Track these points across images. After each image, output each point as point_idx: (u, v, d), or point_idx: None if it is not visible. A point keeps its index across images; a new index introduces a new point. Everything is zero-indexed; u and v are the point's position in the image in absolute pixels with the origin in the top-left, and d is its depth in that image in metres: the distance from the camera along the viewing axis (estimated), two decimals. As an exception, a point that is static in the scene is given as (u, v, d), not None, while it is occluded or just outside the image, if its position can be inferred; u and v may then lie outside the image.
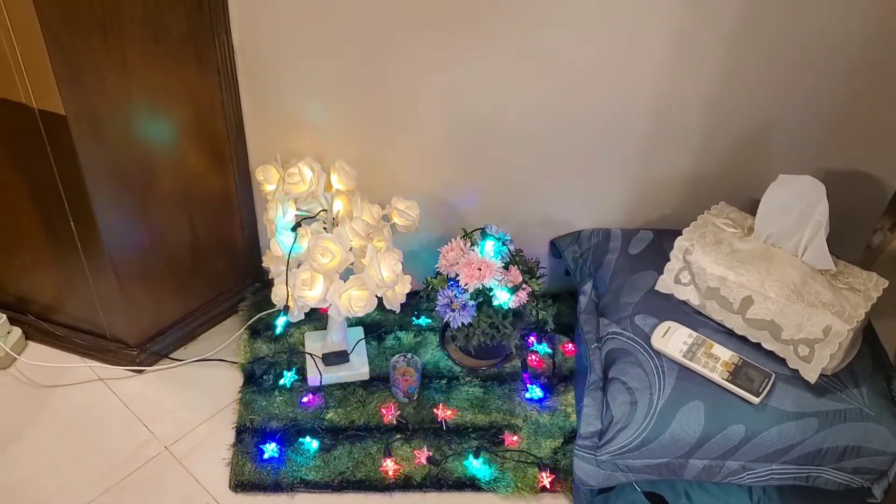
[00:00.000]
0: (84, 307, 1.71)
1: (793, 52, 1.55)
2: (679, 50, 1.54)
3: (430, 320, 1.87)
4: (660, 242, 1.71)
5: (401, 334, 1.85)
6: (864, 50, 1.55)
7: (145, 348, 1.76)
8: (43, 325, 1.78)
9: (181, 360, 1.80)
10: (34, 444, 1.63)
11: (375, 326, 1.85)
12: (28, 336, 1.80)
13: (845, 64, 1.57)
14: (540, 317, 1.65)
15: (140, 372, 1.77)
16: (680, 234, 1.58)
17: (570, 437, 1.66)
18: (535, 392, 1.74)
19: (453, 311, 1.59)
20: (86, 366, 1.78)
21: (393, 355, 1.74)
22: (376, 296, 1.53)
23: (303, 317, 1.57)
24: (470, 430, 1.67)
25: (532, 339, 1.83)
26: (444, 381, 1.76)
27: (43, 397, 1.72)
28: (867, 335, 1.58)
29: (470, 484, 1.60)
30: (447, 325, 1.66)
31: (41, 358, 1.78)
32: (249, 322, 1.85)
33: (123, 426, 1.68)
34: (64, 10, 1.26)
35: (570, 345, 1.83)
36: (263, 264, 1.65)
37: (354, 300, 1.49)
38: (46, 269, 1.67)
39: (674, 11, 1.49)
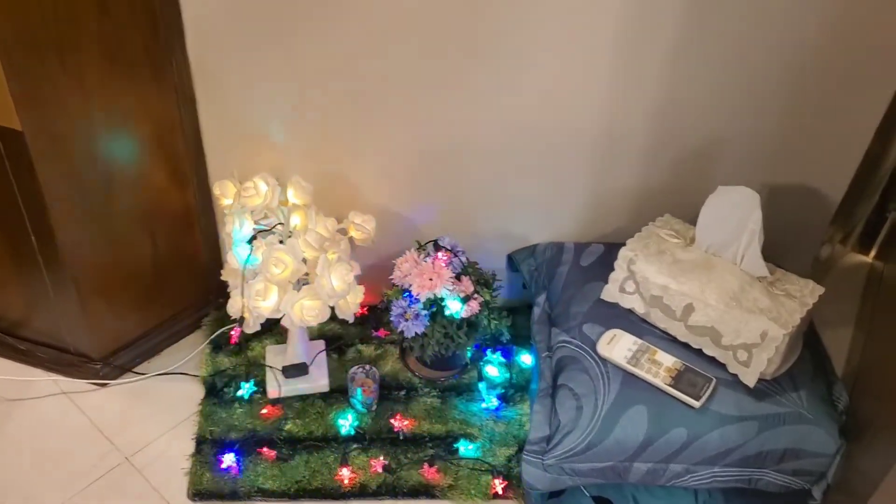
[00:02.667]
0: (47, 322, 1.75)
1: (734, 70, 1.61)
2: (624, 70, 1.60)
3: (389, 332, 1.90)
4: (610, 254, 1.75)
5: (361, 347, 1.89)
6: (805, 68, 1.61)
7: (108, 362, 1.80)
8: (7, 340, 1.81)
9: (144, 374, 1.83)
10: (-3, 456, 1.67)
11: (336, 339, 1.89)
12: (-9, 351, 1.84)
13: (788, 81, 1.63)
14: (493, 327, 1.69)
15: (103, 385, 1.80)
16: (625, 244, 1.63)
17: (524, 445, 1.70)
18: (492, 402, 1.77)
19: (407, 320, 1.63)
20: (50, 379, 1.81)
21: (352, 367, 1.77)
22: (329, 306, 1.57)
23: (258, 328, 1.61)
24: (427, 439, 1.71)
25: (489, 350, 1.87)
26: (402, 392, 1.79)
27: (7, 410, 1.75)
28: (810, 342, 1.63)
29: (424, 492, 1.63)
30: (404, 335, 1.70)
31: (5, 372, 1.81)
32: (212, 336, 1.88)
33: (86, 438, 1.71)
34: (20, 33, 1.31)
35: (527, 356, 1.87)
36: (222, 277, 1.69)
37: (307, 310, 1.54)
38: (9, 284, 1.71)
39: (618, 33, 1.55)
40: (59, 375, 1.81)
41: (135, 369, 1.84)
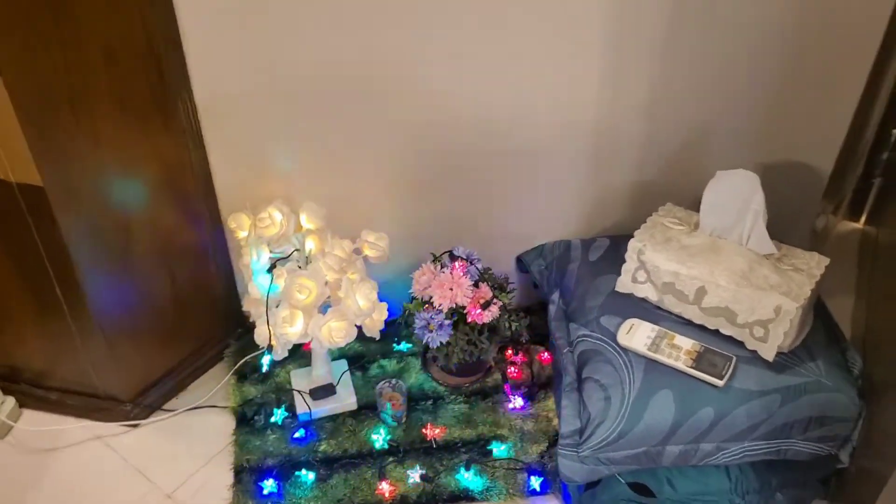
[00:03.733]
0: (75, 369, 1.77)
1: (717, 55, 1.67)
2: (614, 66, 1.65)
3: (410, 345, 1.94)
4: (616, 247, 1.81)
5: (384, 362, 1.93)
6: (785, 47, 1.67)
7: (138, 402, 1.82)
8: (36, 392, 1.83)
9: (174, 410, 1.86)
10: (38, 508, 1.69)
11: (358, 357, 1.93)
12: (22, 404, 1.85)
13: (769, 62, 1.69)
14: (514, 329, 1.74)
15: (135, 426, 1.83)
16: (633, 236, 1.68)
17: (555, 440, 1.74)
18: (518, 402, 1.82)
19: (431, 332, 1.67)
20: (81, 426, 1.83)
21: (378, 383, 1.81)
22: (355, 325, 1.60)
23: (286, 354, 1.64)
24: (459, 444, 1.75)
25: (509, 351, 1.91)
26: (430, 402, 1.83)
27: (42, 462, 1.77)
28: (819, 311, 1.69)
29: (464, 496, 1.67)
30: (427, 347, 1.74)
31: (36, 423, 1.83)
32: (236, 367, 1.91)
33: (124, 480, 1.73)
34: (34, 90, 1.34)
35: (546, 353, 1.92)
36: (244, 308, 1.72)
37: (335, 331, 1.57)
38: (36, 336, 1.73)
39: (607, 30, 1.60)
40: (91, 420, 1.83)
41: (164, 406, 1.87)
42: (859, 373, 1.59)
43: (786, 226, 1.79)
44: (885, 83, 1.98)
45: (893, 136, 2.12)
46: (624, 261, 1.69)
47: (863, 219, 2.30)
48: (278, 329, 1.58)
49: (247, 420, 1.81)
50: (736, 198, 1.58)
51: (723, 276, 1.56)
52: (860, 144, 2.08)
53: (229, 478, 1.72)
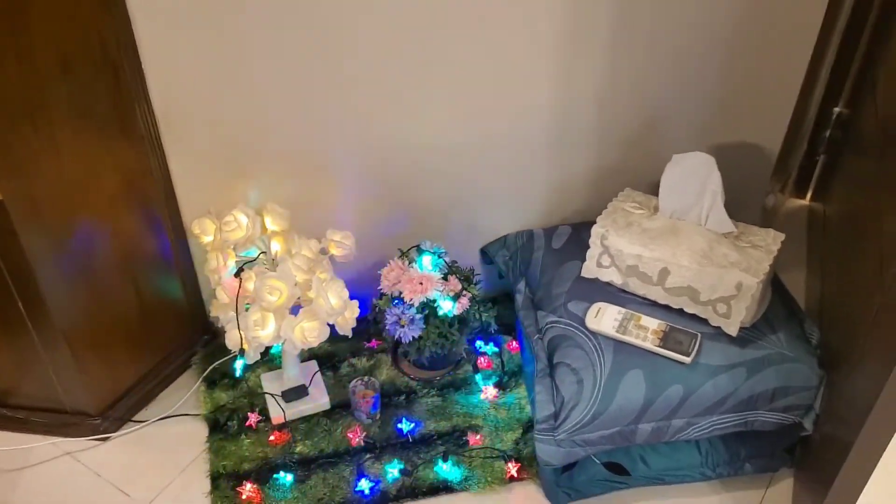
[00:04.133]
0: (41, 386, 1.74)
1: (668, 44, 1.72)
2: (565, 56, 1.68)
3: (380, 342, 1.95)
4: (578, 234, 1.84)
5: (354, 360, 1.93)
6: (732, 33, 1.73)
7: (107, 415, 1.80)
8: (1, 412, 1.79)
9: (144, 421, 1.84)
10: (13, 528, 1.65)
11: (329, 357, 1.93)
12: (-14, 425, 1.82)
13: (717, 48, 1.74)
14: (484, 319, 1.76)
15: (105, 439, 1.80)
16: (594, 223, 1.72)
17: (528, 426, 1.77)
18: (490, 391, 1.84)
19: (402, 327, 1.69)
20: (49, 443, 1.80)
21: (350, 381, 1.82)
22: (328, 324, 1.61)
23: (259, 357, 1.64)
24: (435, 437, 1.76)
25: (479, 342, 1.94)
26: (402, 397, 1.85)
27: (12, 481, 1.73)
28: (775, 286, 1.74)
29: (443, 487, 1.68)
30: (397, 343, 1.75)
31: (3, 443, 1.79)
32: (205, 374, 1.90)
33: (99, 494, 1.70)
34: (-8, 102, 1.32)
35: (514, 342, 1.95)
36: (212, 314, 1.71)
37: (308, 331, 1.58)
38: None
39: (556, 24, 1.63)
40: (59, 437, 1.80)
41: (134, 418, 1.84)
42: (817, 343, 1.65)
43: (737, 205, 1.84)
44: (825, 62, 2.05)
45: (834, 115, 2.20)
46: (587, 247, 1.73)
47: (808, 195, 2.38)
48: (250, 332, 1.58)
49: (220, 426, 1.80)
50: (693, 179, 1.63)
51: (684, 256, 1.61)
52: (803, 123, 2.15)
53: (206, 485, 1.71)
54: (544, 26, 1.64)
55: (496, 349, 1.93)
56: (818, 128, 2.24)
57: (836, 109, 2.19)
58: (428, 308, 1.70)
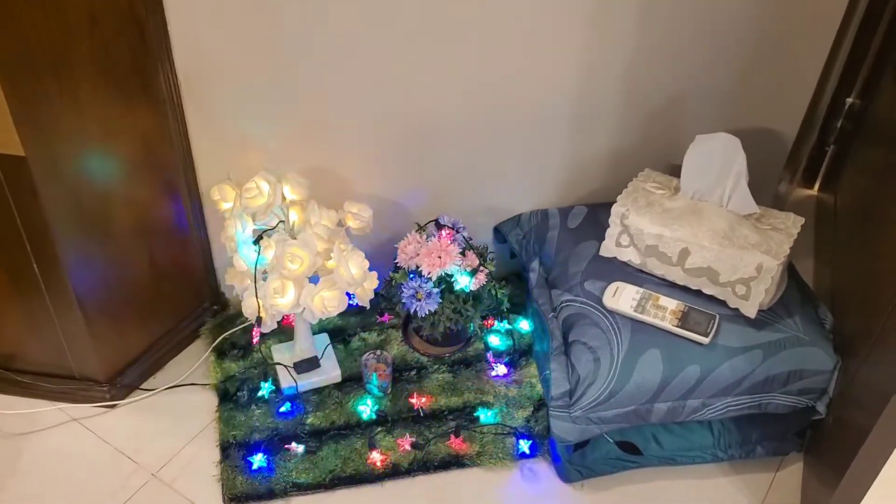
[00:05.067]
0: (49, 350, 1.72)
1: (693, 26, 1.71)
2: (590, 34, 1.68)
3: (391, 317, 1.94)
4: (594, 214, 1.84)
5: (364, 335, 1.92)
6: (756, 17, 1.72)
7: (115, 382, 1.78)
8: (7, 375, 1.77)
9: (153, 390, 1.82)
10: (20, 493, 1.63)
11: (339, 331, 1.92)
12: (-8, 389, 1.79)
13: (740, 32, 1.74)
14: (498, 296, 1.76)
15: (113, 406, 1.79)
16: (613, 202, 1.71)
17: (539, 404, 1.77)
18: (500, 369, 1.84)
19: (419, 300, 1.68)
20: (56, 409, 1.78)
21: (361, 355, 1.81)
22: (346, 294, 1.60)
23: (276, 326, 1.63)
24: (446, 412, 1.76)
25: (490, 320, 1.93)
26: (413, 373, 1.84)
27: (18, 446, 1.71)
28: (790, 271, 1.75)
29: (455, 462, 1.68)
30: (408, 318, 1.74)
31: (7, 407, 1.77)
32: (215, 343, 1.89)
33: (106, 461, 1.69)
34: (17, 54, 1.29)
35: (525, 321, 1.94)
36: (227, 282, 1.70)
37: (328, 301, 1.57)
38: (9, 316, 1.67)
39: (583, 3, 1.62)
40: (66, 403, 1.78)
41: (142, 386, 1.83)
42: (831, 328, 1.66)
43: (751, 191, 1.85)
44: (839, 53, 2.06)
45: (847, 105, 2.21)
46: (604, 227, 1.73)
47: (816, 185, 2.39)
48: (268, 300, 1.56)
49: (229, 396, 1.79)
50: (717, 160, 1.63)
51: (706, 236, 1.61)
52: (816, 113, 2.16)
53: (216, 454, 1.70)
54: (571, 3, 1.62)
55: (508, 327, 1.92)
56: (829, 118, 2.24)
57: (849, 100, 2.20)
58: (444, 283, 1.69)
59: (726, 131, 1.84)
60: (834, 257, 1.98)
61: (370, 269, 1.66)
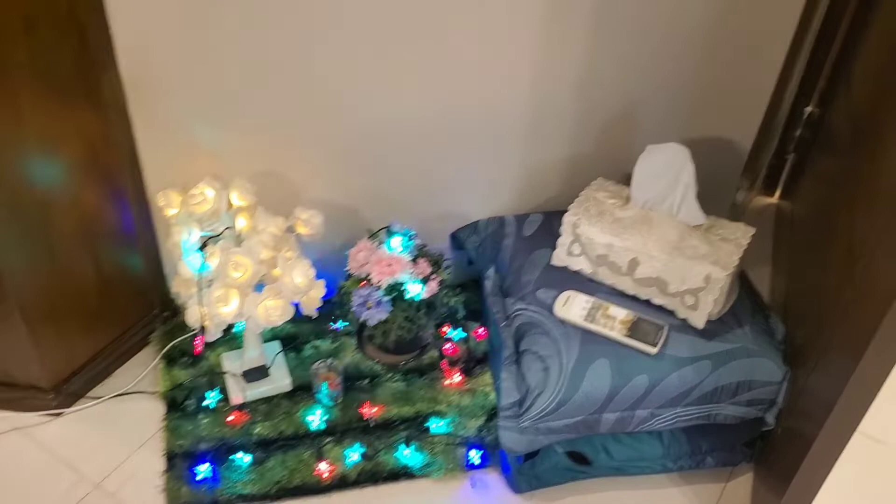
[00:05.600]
0: (-9, 357, 1.69)
1: (646, 35, 1.71)
2: (544, 41, 1.66)
3: (345, 324, 1.92)
4: (549, 222, 1.83)
5: (318, 342, 1.90)
6: (711, 28, 1.72)
7: (61, 390, 1.75)
8: (-52, 385, 1.74)
9: (99, 398, 1.79)
10: (-42, 504, 1.60)
11: (291, 338, 1.90)
12: (-69, 398, 1.75)
13: (697, 39, 1.74)
14: (452, 304, 1.74)
15: (59, 415, 1.76)
16: (566, 211, 1.71)
17: (492, 414, 1.75)
18: (455, 377, 1.82)
19: (369, 309, 1.66)
20: (-1, 418, 1.75)
21: (313, 363, 1.79)
22: (292, 303, 1.58)
23: (220, 335, 1.60)
24: (397, 422, 1.74)
25: (445, 328, 1.92)
26: (366, 381, 1.82)
27: (-42, 456, 1.68)
28: (741, 281, 1.75)
29: (404, 473, 1.66)
30: (363, 326, 1.73)
31: (-51, 417, 1.74)
32: (164, 350, 1.86)
33: (49, 471, 1.66)
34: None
35: (481, 329, 1.93)
36: (173, 290, 1.67)
37: (271, 310, 1.54)
38: (-52, 324, 1.64)
39: (537, 11, 1.61)
40: (9, 411, 1.75)
41: (88, 394, 1.80)
42: (782, 338, 1.66)
43: (707, 200, 1.84)
44: (798, 62, 2.06)
45: (805, 114, 2.21)
46: (558, 235, 1.72)
47: (777, 194, 2.39)
48: (212, 309, 1.54)
49: (177, 405, 1.76)
50: (667, 171, 1.62)
51: (655, 246, 1.60)
52: (775, 121, 2.16)
53: (161, 464, 1.67)
54: (525, 9, 1.61)
55: (463, 335, 1.91)
56: (788, 127, 2.25)
57: (808, 109, 2.20)
58: (396, 291, 1.68)
59: (682, 140, 1.83)
60: (789, 266, 1.98)
61: (322, 276, 1.64)
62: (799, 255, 1.93)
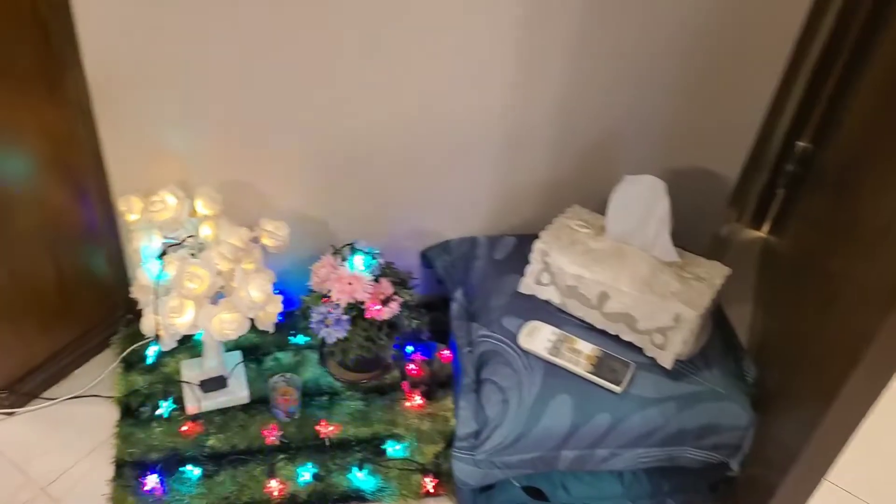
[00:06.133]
0: (-56, 353, 1.65)
1: (631, 61, 1.66)
2: (524, 64, 1.62)
3: (308, 338, 1.88)
4: (522, 247, 1.78)
5: (280, 355, 1.86)
6: (696, 58, 1.67)
7: (15, 389, 1.71)
8: None
9: (54, 399, 1.76)
10: None
11: (253, 349, 1.86)
12: None
13: (679, 71, 1.69)
14: (414, 326, 1.70)
15: (11, 414, 1.72)
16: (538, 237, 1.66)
17: (451, 441, 1.70)
18: (416, 400, 1.78)
19: (327, 326, 1.62)
20: (-50, 414, 1.72)
21: (272, 376, 1.75)
22: (248, 317, 1.54)
23: (175, 345, 1.57)
24: (353, 443, 1.70)
25: (409, 348, 1.87)
26: (325, 398, 1.78)
27: None
28: (717, 320, 1.70)
29: (356, 496, 1.62)
30: (324, 341, 1.69)
31: None
32: (123, 354, 1.82)
33: (-5, 472, 1.63)
34: None
35: (447, 351, 1.89)
36: (132, 295, 1.63)
37: (226, 323, 1.51)
38: None
39: (516, 33, 1.57)
40: (-40, 408, 1.72)
41: (43, 395, 1.76)
42: (753, 381, 1.61)
43: (690, 230, 1.79)
44: (792, 95, 2.01)
45: (798, 149, 2.16)
46: (529, 262, 1.67)
47: (765, 228, 2.34)
48: (166, 319, 1.50)
49: (131, 411, 1.73)
50: (642, 203, 1.58)
51: (626, 281, 1.56)
52: (765, 155, 2.11)
53: (109, 472, 1.63)
54: (504, 30, 1.57)
55: (426, 357, 1.87)
56: (781, 161, 2.19)
57: (801, 144, 2.15)
58: (356, 309, 1.63)
59: (664, 170, 1.80)
60: (769, 306, 1.94)
61: (288, 288, 1.60)
62: (779, 295, 1.88)
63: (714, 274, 1.59)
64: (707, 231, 2.00)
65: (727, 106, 1.77)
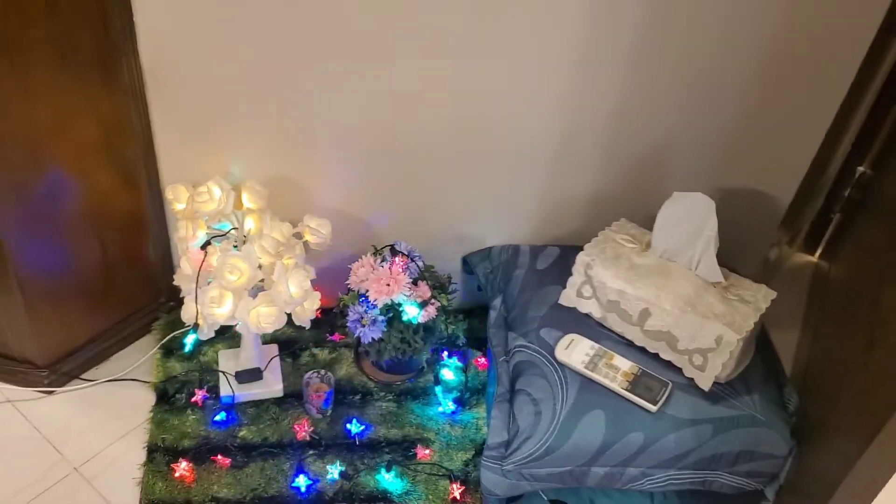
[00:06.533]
0: (-10, 325, 1.69)
1: (687, 77, 1.63)
2: (579, 77, 1.61)
3: (344, 336, 1.88)
4: (566, 257, 1.76)
5: (316, 351, 1.87)
6: (753, 75, 1.64)
7: (55, 369, 1.75)
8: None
9: (93, 381, 1.79)
10: (-62, 469, 1.61)
11: (290, 343, 1.87)
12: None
13: (737, 88, 1.66)
14: (450, 331, 1.69)
15: (50, 393, 1.75)
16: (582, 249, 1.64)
17: (481, 448, 1.69)
18: (448, 405, 1.77)
19: (363, 326, 1.62)
20: (-5, 386, 1.75)
21: (307, 372, 1.75)
22: (286, 312, 1.54)
23: (213, 334, 1.58)
24: (383, 444, 1.70)
25: (445, 353, 1.86)
26: (358, 397, 1.78)
27: (-57, 420, 1.69)
28: (761, 344, 1.66)
29: (382, 497, 1.62)
30: (360, 340, 1.69)
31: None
32: (163, 341, 1.84)
33: (32, 448, 1.65)
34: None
35: (483, 359, 1.87)
36: (175, 283, 1.65)
37: (263, 317, 1.51)
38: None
39: (573, 40, 1.56)
40: (3, 384, 1.75)
41: (83, 376, 1.79)
42: (794, 410, 1.57)
43: (739, 252, 1.76)
44: (854, 120, 1.95)
45: (857, 174, 2.10)
46: (571, 273, 1.65)
47: (818, 253, 2.28)
48: (205, 308, 1.51)
49: (167, 397, 1.75)
50: (690, 221, 1.55)
51: (668, 299, 1.53)
52: (822, 179, 2.05)
53: (142, 456, 1.65)
54: (562, 43, 1.55)
55: (461, 363, 1.85)
56: (838, 185, 2.13)
57: (860, 169, 2.09)
58: (393, 311, 1.63)
59: (715, 189, 1.76)
60: (816, 333, 1.88)
61: (328, 285, 1.60)
62: (827, 323, 1.82)
63: (760, 297, 1.55)
64: (756, 253, 1.96)
65: (785, 128, 1.73)
